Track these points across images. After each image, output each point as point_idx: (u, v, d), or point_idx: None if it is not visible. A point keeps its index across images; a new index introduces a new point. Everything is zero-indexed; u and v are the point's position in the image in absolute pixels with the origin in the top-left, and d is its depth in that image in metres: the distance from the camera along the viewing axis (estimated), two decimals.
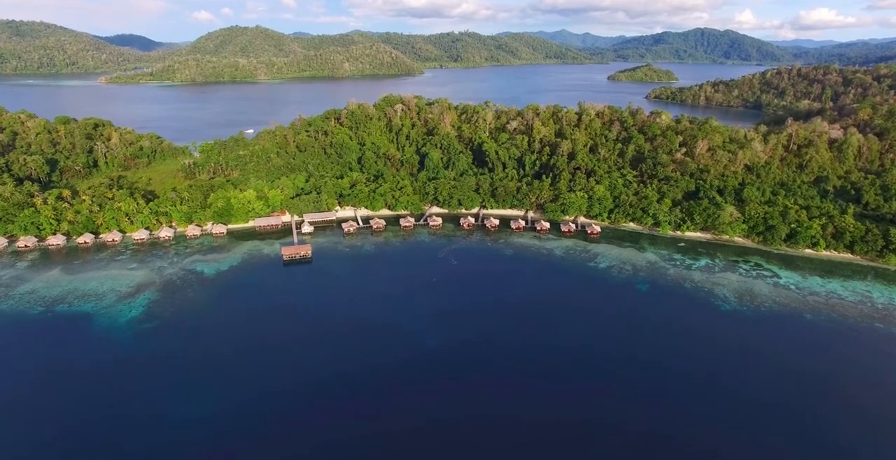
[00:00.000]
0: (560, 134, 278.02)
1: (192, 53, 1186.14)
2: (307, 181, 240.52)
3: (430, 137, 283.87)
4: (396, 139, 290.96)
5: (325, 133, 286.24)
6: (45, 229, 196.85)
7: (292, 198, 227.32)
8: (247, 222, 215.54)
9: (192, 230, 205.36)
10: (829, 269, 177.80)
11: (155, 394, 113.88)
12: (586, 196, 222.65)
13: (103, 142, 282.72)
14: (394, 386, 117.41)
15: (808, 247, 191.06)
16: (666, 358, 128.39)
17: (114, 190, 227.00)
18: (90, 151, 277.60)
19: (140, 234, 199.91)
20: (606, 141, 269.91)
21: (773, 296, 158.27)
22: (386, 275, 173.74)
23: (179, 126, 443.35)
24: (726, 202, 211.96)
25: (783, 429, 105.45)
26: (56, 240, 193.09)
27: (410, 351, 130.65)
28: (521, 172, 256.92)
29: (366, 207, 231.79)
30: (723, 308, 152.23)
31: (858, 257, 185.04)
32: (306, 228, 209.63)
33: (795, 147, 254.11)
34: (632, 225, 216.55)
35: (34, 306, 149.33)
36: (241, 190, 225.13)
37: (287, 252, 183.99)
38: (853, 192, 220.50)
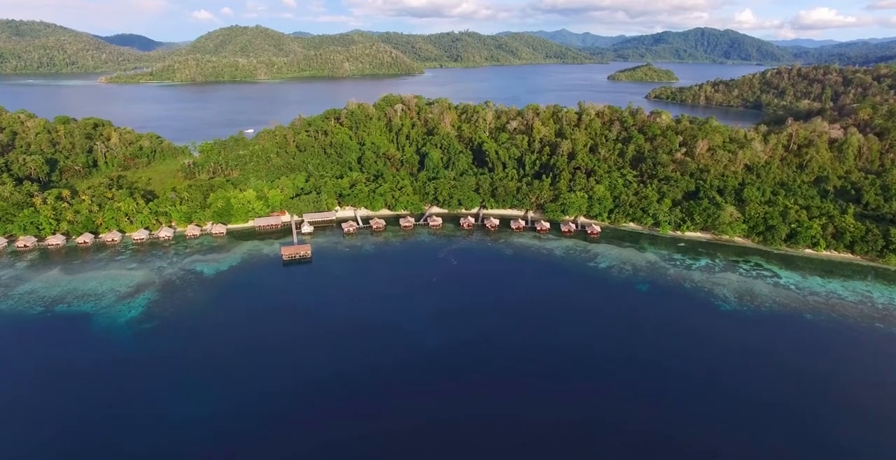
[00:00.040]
0: (560, 134, 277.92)
1: (192, 53, 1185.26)
2: (307, 181, 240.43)
3: (430, 137, 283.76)
4: (396, 139, 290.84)
5: (325, 133, 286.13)
6: (44, 229, 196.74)
7: (292, 198, 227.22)
8: (246, 222, 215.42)
9: (191, 230, 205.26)
10: (829, 269, 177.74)
11: (154, 394, 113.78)
12: (586, 196, 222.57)
13: (103, 142, 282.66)
14: (394, 386, 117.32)
15: (809, 247, 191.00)
16: (666, 358, 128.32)
17: (113, 190, 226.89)
18: (90, 151, 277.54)
19: (140, 234, 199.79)
20: (606, 141, 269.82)
21: (774, 296, 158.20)
22: (386, 275, 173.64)
23: (179, 126, 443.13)
24: (726, 202, 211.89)
25: (783, 429, 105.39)
26: (55, 240, 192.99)
27: (410, 351, 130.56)
28: (521, 172, 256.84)
29: (366, 207, 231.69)
30: (723, 308, 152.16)
31: (858, 257, 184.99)
32: (306, 228, 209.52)
33: (795, 147, 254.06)
34: (632, 225, 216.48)
35: (33, 306, 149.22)
36: (240, 190, 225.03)
37: (287, 252, 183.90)
38: (853, 192, 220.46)
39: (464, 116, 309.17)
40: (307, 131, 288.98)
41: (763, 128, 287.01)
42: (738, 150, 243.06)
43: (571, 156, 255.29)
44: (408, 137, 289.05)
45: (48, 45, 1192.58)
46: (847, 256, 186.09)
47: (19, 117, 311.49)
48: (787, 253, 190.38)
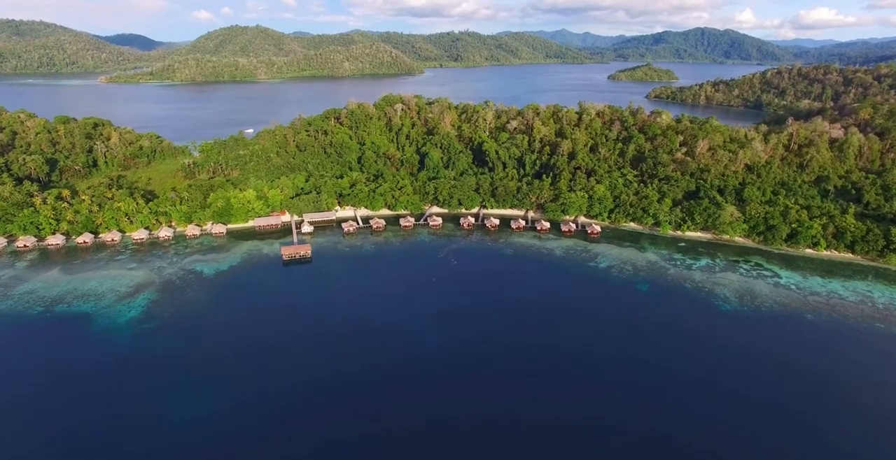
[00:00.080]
0: (560, 133, 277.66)
1: (192, 53, 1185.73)
2: (307, 181, 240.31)
3: (430, 137, 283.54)
4: (396, 139, 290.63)
5: (325, 132, 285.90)
6: (44, 229, 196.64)
7: (292, 197, 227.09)
8: (246, 222, 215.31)
9: (191, 230, 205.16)
10: (829, 269, 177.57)
11: (154, 394, 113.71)
12: (586, 196, 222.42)
13: (103, 142, 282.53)
14: (394, 386, 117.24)
15: (809, 247, 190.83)
16: (666, 358, 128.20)
17: (113, 189, 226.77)
18: (90, 151, 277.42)
19: (139, 234, 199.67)
20: (607, 140, 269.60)
21: (774, 296, 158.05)
22: (386, 275, 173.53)
23: (179, 125, 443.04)
24: (727, 202, 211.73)
25: (783, 429, 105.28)
26: (55, 240, 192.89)
27: (410, 351, 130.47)
28: (522, 172, 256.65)
29: (366, 207, 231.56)
30: (723, 308, 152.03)
31: (859, 257, 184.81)
32: (306, 228, 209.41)
33: (796, 146, 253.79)
34: (632, 224, 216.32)
35: (33, 306, 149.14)
36: (240, 189, 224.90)
37: (287, 252, 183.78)
38: (854, 192, 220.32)
39: (464, 116, 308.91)
40: (307, 131, 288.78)
41: (763, 127, 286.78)
42: (739, 150, 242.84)
43: (572, 155, 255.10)
44: (408, 137, 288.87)
45: (48, 45, 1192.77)
46: (848, 256, 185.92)
47: (19, 117, 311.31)
48: (787, 253, 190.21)
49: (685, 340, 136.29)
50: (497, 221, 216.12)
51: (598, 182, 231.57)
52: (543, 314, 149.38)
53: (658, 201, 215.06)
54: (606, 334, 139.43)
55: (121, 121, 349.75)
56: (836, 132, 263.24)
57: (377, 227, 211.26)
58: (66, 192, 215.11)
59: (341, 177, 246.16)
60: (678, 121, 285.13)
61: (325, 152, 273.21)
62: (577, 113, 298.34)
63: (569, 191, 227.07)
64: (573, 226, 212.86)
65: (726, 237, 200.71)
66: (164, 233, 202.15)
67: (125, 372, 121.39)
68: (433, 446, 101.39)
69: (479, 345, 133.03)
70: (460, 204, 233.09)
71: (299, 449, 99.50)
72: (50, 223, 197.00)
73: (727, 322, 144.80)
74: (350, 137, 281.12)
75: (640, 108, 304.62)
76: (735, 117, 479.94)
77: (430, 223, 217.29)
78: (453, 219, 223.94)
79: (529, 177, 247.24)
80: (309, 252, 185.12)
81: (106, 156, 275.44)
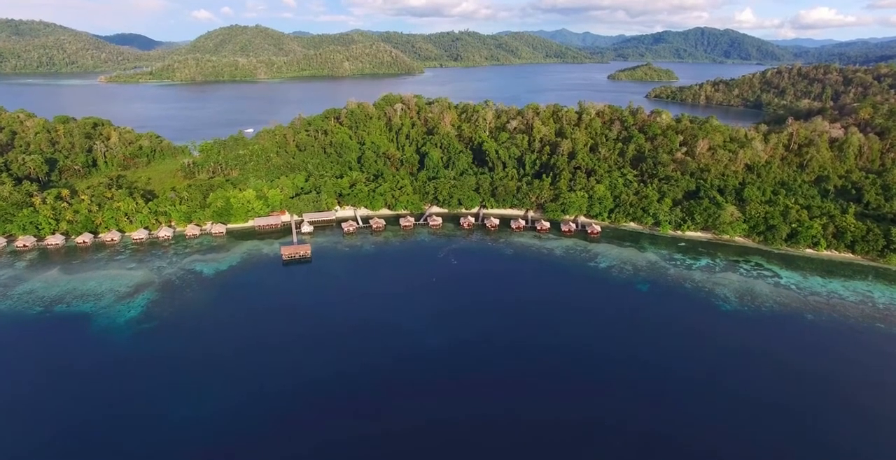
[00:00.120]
0: (560, 133, 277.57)
1: (192, 52, 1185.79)
2: (307, 180, 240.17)
3: (430, 137, 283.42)
4: (396, 138, 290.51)
5: (325, 132, 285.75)
6: (43, 229, 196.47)
7: (292, 197, 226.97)
8: (246, 222, 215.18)
9: (191, 230, 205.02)
10: (829, 269, 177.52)
11: (154, 394, 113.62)
12: (586, 195, 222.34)
13: (102, 142, 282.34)
14: (394, 386, 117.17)
15: (809, 247, 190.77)
16: (666, 358, 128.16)
17: (113, 189, 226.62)
18: (89, 151, 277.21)
19: (139, 234, 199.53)
20: (607, 140, 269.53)
21: (774, 296, 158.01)
22: (386, 275, 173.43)
23: (179, 125, 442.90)
24: (727, 202, 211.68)
25: (783, 429, 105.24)
26: (55, 240, 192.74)
27: (410, 351, 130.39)
28: (522, 172, 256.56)
29: (365, 207, 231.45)
30: (723, 308, 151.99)
31: (859, 257, 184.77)
32: (306, 228, 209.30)
33: (796, 146, 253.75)
34: (632, 224, 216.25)
35: (33, 306, 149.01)
36: (240, 189, 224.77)
37: (286, 252, 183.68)
38: (854, 192, 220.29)
39: (464, 116, 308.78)
40: (307, 131, 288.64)
41: (763, 127, 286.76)
42: (739, 150, 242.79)
43: (572, 155, 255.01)
44: (408, 137, 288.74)
45: (48, 45, 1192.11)
46: (848, 256, 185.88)
47: (18, 117, 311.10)
48: (787, 252, 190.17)
49: (685, 340, 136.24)
50: (497, 221, 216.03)
51: (598, 182, 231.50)
52: (543, 314, 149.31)
53: (658, 201, 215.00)
54: (606, 334, 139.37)
55: (120, 120, 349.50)
56: (836, 132, 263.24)
57: (377, 227, 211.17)
58: (65, 192, 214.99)
59: (341, 176, 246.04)
60: (678, 120, 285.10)
61: (324, 152, 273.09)
62: (577, 112, 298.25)
63: (569, 190, 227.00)
64: (573, 225, 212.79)
65: (726, 237, 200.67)
66: (164, 232, 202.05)
67: (125, 372, 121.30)
68: (433, 446, 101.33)
69: (479, 345, 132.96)
70: (460, 204, 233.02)
71: (299, 449, 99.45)
72: (49, 223, 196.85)
73: (727, 322, 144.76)
74: (350, 137, 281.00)
75: (639, 107, 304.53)
76: (735, 117, 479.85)
77: (430, 223, 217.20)
78: (453, 219, 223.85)
79: (529, 177, 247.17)
80: (309, 252, 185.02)
81: (105, 156, 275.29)
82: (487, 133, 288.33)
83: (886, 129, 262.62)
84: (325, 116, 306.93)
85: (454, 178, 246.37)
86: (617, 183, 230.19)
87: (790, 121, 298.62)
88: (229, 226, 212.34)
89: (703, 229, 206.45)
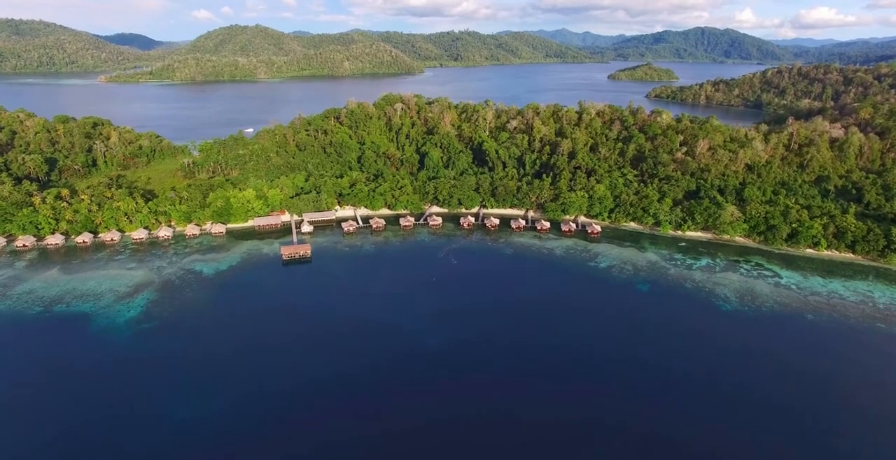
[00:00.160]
0: (560, 133, 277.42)
1: (192, 52, 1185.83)
2: (307, 180, 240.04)
3: (430, 136, 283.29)
4: (396, 138, 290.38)
5: (325, 132, 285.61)
6: (43, 228, 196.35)
7: (292, 197, 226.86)
8: (246, 222, 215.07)
9: (191, 229, 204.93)
10: (830, 269, 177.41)
11: (154, 394, 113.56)
12: (587, 195, 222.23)
13: (102, 142, 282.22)
14: (394, 386, 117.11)
15: (810, 247, 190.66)
16: (666, 358, 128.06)
17: (113, 189, 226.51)
18: (89, 150, 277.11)
19: (139, 234, 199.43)
20: (607, 140, 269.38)
21: (774, 296, 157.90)
22: (386, 275, 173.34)
23: (179, 125, 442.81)
24: (727, 201, 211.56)
25: (783, 429, 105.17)
26: (54, 240, 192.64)
27: (410, 351, 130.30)
28: (522, 172, 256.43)
29: (365, 207, 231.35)
30: (724, 308, 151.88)
31: (860, 257, 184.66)
32: (306, 228, 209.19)
33: (796, 146, 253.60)
34: (632, 224, 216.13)
35: (32, 306, 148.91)
36: (240, 189, 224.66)
37: (286, 251, 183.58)
38: (854, 192, 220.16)
39: (464, 115, 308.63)
40: (307, 130, 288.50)
41: (764, 127, 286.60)
42: (739, 150, 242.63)
43: (572, 155, 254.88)
44: (408, 137, 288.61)
45: (48, 45, 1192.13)
46: (848, 256, 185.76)
47: (18, 116, 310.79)
48: (788, 252, 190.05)
49: (685, 340, 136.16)
50: (497, 221, 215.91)
51: (598, 182, 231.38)
52: (543, 314, 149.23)
53: (658, 201, 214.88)
54: (606, 334, 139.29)
55: (120, 120, 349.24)
56: (837, 132, 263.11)
57: (377, 227, 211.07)
58: (65, 192, 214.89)
59: (341, 176, 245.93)
60: (678, 120, 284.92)
61: (324, 152, 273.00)
62: (577, 112, 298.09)
63: (569, 190, 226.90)
64: (573, 225, 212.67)
65: (727, 237, 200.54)
66: (164, 232, 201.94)
67: (125, 372, 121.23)
68: (433, 446, 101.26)
69: (479, 345, 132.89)
70: (460, 203, 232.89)
71: (299, 449, 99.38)
72: (49, 223, 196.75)
73: (727, 322, 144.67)
74: (350, 137, 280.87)
75: (640, 107, 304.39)
76: (735, 117, 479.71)
77: (430, 223, 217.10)
78: (453, 219, 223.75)
79: (529, 177, 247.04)
80: (309, 252, 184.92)
81: (105, 156, 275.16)
82: (487, 133, 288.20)
83: (887, 129, 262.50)
84: (325, 116, 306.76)
85: (454, 178, 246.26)
86: (617, 183, 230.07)
87: (790, 120, 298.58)
88: (229, 225, 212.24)
89: (704, 229, 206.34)
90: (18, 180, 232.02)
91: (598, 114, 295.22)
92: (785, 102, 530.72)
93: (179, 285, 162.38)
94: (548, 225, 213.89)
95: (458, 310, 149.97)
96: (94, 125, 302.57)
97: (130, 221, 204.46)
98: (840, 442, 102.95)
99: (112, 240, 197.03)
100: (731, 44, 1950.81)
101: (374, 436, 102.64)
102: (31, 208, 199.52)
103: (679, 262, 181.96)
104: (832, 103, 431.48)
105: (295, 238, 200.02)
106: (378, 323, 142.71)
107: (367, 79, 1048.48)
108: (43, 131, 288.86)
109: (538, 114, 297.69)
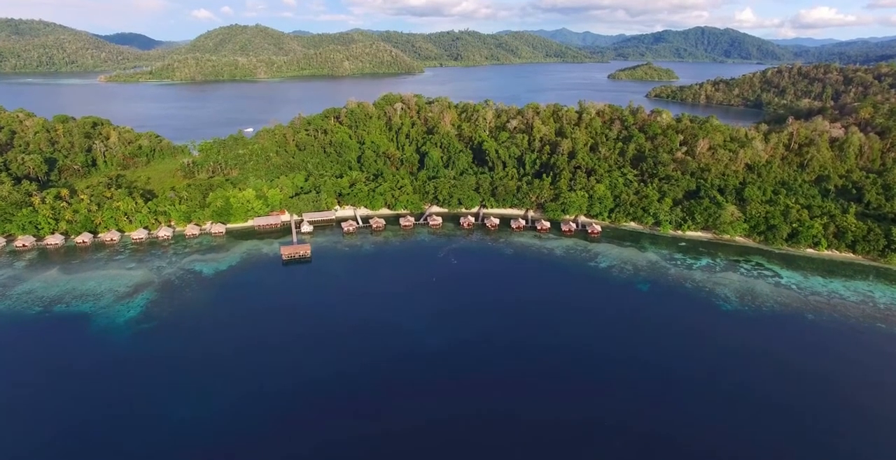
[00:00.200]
0: (560, 133, 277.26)
1: (192, 52, 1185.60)
2: (306, 180, 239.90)
3: (430, 136, 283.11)
4: (396, 138, 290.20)
5: (325, 132, 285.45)
6: (43, 228, 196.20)
7: (291, 197, 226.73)
8: (246, 221, 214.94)
9: (190, 229, 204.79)
10: (830, 269, 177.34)
11: (154, 394, 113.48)
12: (587, 195, 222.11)
13: (102, 141, 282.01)
14: (394, 386, 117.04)
15: (810, 247, 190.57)
16: (667, 358, 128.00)
17: (112, 189, 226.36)
18: (89, 150, 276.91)
19: (139, 234, 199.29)
20: (607, 140, 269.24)
21: (775, 296, 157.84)
22: (385, 275, 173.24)
23: (178, 125, 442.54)
24: (727, 201, 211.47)
25: (783, 429, 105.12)
26: (54, 240, 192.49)
27: (410, 351, 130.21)
28: (522, 171, 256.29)
29: (365, 206, 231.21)
30: (724, 308, 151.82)
31: (860, 257, 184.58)
32: (305, 228, 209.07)
33: (796, 146, 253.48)
34: (632, 224, 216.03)
35: (32, 306, 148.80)
36: (240, 189, 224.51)
37: (286, 251, 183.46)
38: (855, 192, 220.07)
39: (464, 115, 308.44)
40: (307, 130, 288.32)
41: (764, 127, 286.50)
42: (739, 149, 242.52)
43: (572, 155, 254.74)
44: (408, 136, 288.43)
45: (47, 44, 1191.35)
46: (849, 256, 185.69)
47: (18, 116, 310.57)
48: (788, 252, 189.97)
49: (686, 340, 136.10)
50: (497, 221, 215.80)
51: (598, 181, 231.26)
52: (543, 314, 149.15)
53: (658, 201, 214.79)
54: (607, 334, 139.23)
55: (120, 120, 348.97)
56: (837, 131, 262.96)
57: (377, 227, 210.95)
58: (64, 192, 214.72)
59: (341, 176, 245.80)
60: (678, 120, 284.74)
61: (324, 151, 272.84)
62: (577, 112, 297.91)
63: (569, 190, 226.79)
64: (573, 225, 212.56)
65: (727, 237, 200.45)
66: (164, 232, 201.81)
67: (125, 372, 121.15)
68: (433, 446, 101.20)
69: (479, 345, 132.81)
70: (460, 203, 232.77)
71: (299, 449, 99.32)
72: (49, 223, 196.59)
73: (728, 322, 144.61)
74: (350, 137, 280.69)
75: (640, 107, 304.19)
76: (735, 116, 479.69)
77: (430, 222, 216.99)
78: (453, 219, 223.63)
79: (529, 177, 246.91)
80: (308, 251, 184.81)
81: (105, 156, 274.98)
82: (487, 132, 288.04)
83: (887, 129, 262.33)
84: (325, 116, 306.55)
85: (454, 178, 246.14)
86: (617, 182, 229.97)
87: (790, 120, 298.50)
88: (229, 225, 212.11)
89: (704, 229, 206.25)
90: (18, 180, 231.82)
91: (598, 113, 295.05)
92: (785, 102, 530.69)
93: (179, 285, 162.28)
94: (548, 225, 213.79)
95: (458, 310, 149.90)
96: (94, 125, 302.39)
97: (130, 221, 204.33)
98: (840, 442, 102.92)
99: (112, 240, 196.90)
100: (731, 43, 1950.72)
101: (374, 436, 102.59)
102: (31, 208, 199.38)
103: (679, 262, 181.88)
104: (832, 103, 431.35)
105: (295, 238, 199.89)
106: (378, 323, 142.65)
107: (366, 78, 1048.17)
108: (42, 131, 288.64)
109: (538, 113, 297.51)
